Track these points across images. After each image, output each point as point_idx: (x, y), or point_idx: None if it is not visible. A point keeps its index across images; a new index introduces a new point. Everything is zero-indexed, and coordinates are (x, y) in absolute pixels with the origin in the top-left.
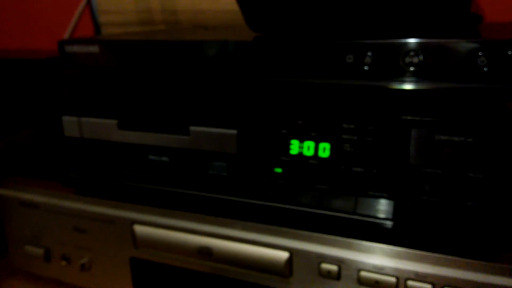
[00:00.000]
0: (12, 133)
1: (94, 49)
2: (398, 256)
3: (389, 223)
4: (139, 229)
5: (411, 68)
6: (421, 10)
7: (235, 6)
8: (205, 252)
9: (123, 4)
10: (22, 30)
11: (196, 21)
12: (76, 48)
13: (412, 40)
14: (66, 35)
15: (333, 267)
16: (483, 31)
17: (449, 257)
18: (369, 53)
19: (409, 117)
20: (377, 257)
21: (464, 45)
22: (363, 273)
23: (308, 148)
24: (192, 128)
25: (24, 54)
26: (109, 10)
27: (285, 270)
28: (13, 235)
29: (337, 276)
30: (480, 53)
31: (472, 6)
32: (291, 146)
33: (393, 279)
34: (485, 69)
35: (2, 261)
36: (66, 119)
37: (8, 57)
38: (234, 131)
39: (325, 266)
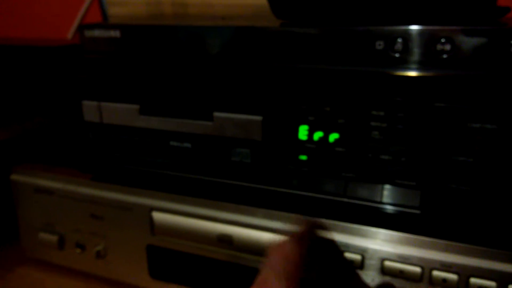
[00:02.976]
0: (25, 121)
1: (115, 34)
2: (423, 245)
3: (416, 212)
4: (157, 216)
5: (444, 56)
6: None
7: (245, 0)
8: (225, 240)
9: None
10: (29, 20)
11: (206, 14)
12: (96, 33)
13: (444, 27)
14: (74, 26)
15: (357, 257)
16: (510, 22)
17: (475, 247)
18: (400, 40)
19: (441, 104)
20: (401, 247)
21: (496, 33)
22: (387, 263)
23: (334, 135)
24: (216, 114)
25: (32, 43)
26: (118, 2)
27: None
28: (26, 222)
29: (361, 266)
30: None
31: None
32: (317, 133)
33: (418, 269)
34: None
35: (14, 248)
36: (86, 103)
37: (18, 44)
38: (259, 118)
39: (348, 255)
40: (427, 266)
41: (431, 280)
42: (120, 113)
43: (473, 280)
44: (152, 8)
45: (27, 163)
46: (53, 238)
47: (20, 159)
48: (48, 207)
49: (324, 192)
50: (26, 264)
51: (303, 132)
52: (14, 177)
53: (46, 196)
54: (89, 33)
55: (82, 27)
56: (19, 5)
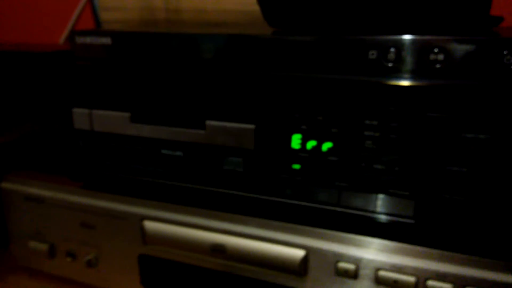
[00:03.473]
0: (14, 127)
1: (106, 40)
2: (418, 255)
3: (409, 222)
4: (149, 225)
5: (437, 65)
6: (441, 9)
7: (238, 6)
8: (218, 250)
9: (125, 2)
10: (21, 25)
11: (199, 21)
12: (88, 40)
13: (437, 37)
14: (66, 31)
15: (350, 266)
16: (504, 32)
17: (470, 256)
18: (393, 49)
19: (435, 114)
20: (396, 256)
21: (490, 43)
22: (381, 273)
23: (328, 144)
24: (208, 122)
25: (24, 48)
26: (111, 7)
27: (300, 268)
28: (16, 230)
29: (354, 275)
30: (505, 52)
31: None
32: (310, 142)
33: (412, 279)
34: None
35: (4, 256)
36: (77, 111)
37: (9, 49)
38: (252, 126)
39: (342, 265)
40: (422, 276)
41: None
42: (111, 121)
43: None
44: (145, 13)
45: (17, 170)
46: (44, 246)
47: (10, 166)
48: (38, 215)
49: (317, 202)
50: (17, 272)
51: (296, 141)
52: (3, 185)
53: (36, 204)
54: (80, 40)
55: (73, 33)
56: (10, 10)
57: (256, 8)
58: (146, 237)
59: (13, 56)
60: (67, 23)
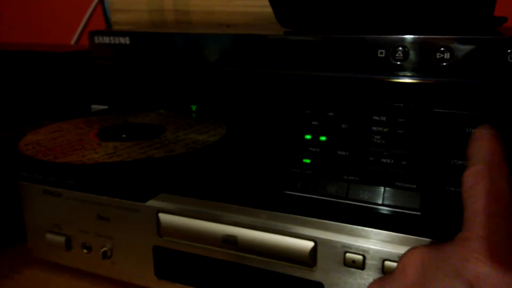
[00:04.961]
0: (32, 125)
1: (125, 40)
2: None
3: (416, 214)
4: (164, 217)
5: (443, 64)
6: (447, 10)
7: (244, 8)
8: (230, 241)
9: (135, 4)
10: (33, 26)
11: (208, 22)
12: (106, 40)
13: (443, 37)
14: (77, 32)
15: (358, 257)
16: (507, 32)
17: None
18: (400, 48)
19: (440, 110)
20: (401, 247)
21: (494, 42)
22: (387, 263)
23: (337, 139)
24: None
25: (41, 48)
26: (121, 9)
27: (310, 259)
28: (34, 224)
29: (362, 266)
30: (509, 50)
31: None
32: (321, 138)
33: None
34: None
35: (20, 250)
36: (96, 108)
37: (27, 49)
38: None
39: (350, 255)
40: None
41: None
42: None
43: None
44: (155, 14)
45: None
46: (60, 239)
47: None
48: (55, 208)
49: (326, 194)
50: (32, 265)
51: (307, 136)
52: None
53: (54, 198)
54: (98, 40)
55: (92, 34)
56: (23, 11)
57: (261, 10)
58: (161, 229)
59: (31, 56)
60: (77, 25)
